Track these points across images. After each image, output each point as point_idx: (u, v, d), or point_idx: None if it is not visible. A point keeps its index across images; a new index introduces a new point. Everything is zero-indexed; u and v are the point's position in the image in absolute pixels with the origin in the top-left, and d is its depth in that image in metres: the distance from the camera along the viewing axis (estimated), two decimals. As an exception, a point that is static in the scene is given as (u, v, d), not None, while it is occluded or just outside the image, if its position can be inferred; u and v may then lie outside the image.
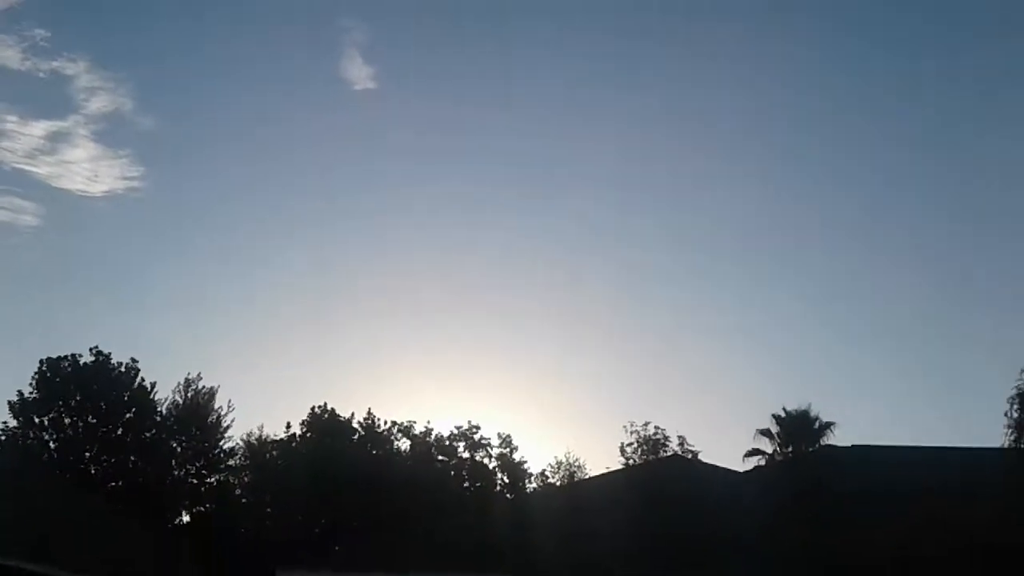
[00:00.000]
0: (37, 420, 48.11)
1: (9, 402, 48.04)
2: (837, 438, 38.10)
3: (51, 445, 48.24)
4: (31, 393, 48.33)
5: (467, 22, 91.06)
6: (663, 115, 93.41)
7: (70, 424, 48.55)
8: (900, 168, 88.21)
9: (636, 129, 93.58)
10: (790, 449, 38.12)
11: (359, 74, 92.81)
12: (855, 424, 77.18)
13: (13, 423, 47.89)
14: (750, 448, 38.45)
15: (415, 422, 53.35)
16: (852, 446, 39.64)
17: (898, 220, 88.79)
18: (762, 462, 38.36)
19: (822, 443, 37.90)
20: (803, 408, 38.27)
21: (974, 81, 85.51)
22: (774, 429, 38.44)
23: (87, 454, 48.81)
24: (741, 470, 38.91)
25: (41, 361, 49.13)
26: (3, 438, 47.42)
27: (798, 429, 37.96)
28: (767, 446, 38.39)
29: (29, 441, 47.61)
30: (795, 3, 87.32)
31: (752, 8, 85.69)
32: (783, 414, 38.43)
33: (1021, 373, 35.30)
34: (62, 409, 48.44)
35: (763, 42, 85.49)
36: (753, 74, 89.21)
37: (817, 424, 37.88)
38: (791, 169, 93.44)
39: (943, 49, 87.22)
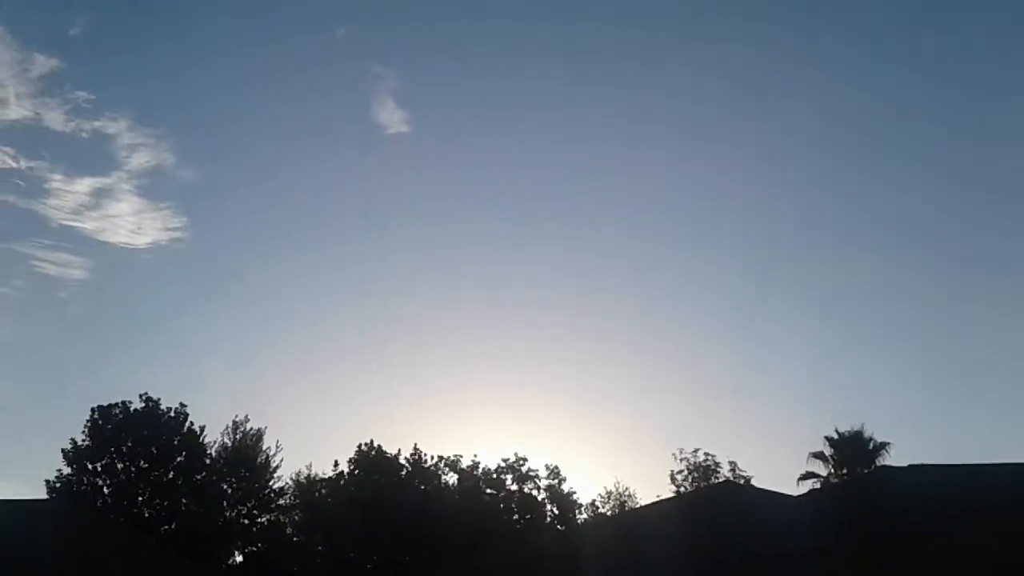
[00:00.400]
0: (91, 467, 48.83)
1: (63, 450, 48.92)
2: (893, 458, 37.42)
3: (105, 491, 48.84)
4: (84, 440, 49.15)
5: (492, 62, 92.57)
6: (701, 130, 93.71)
7: (122, 469, 49.15)
8: (948, 179, 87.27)
9: (673, 148, 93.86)
10: (845, 471, 37.47)
11: (391, 118, 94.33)
12: (911, 443, 75.65)
13: (67, 470, 48.62)
14: (804, 471, 37.91)
15: (462, 456, 53.30)
16: (909, 466, 38.69)
17: (953, 235, 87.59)
18: (817, 485, 37.72)
19: (878, 464, 37.17)
20: (857, 429, 37.71)
21: (979, 84, 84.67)
22: (828, 451, 37.87)
23: (140, 498, 49.31)
24: (795, 494, 38.29)
25: (93, 409, 50.05)
26: (59, 485, 48.05)
27: (852, 450, 37.35)
28: (821, 469, 37.83)
29: (83, 487, 48.24)
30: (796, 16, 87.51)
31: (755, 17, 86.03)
32: (836, 436, 37.87)
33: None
34: (114, 455, 49.10)
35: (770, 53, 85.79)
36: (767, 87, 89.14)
37: (872, 445, 37.25)
38: (849, 184, 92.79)
39: (950, 49, 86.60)
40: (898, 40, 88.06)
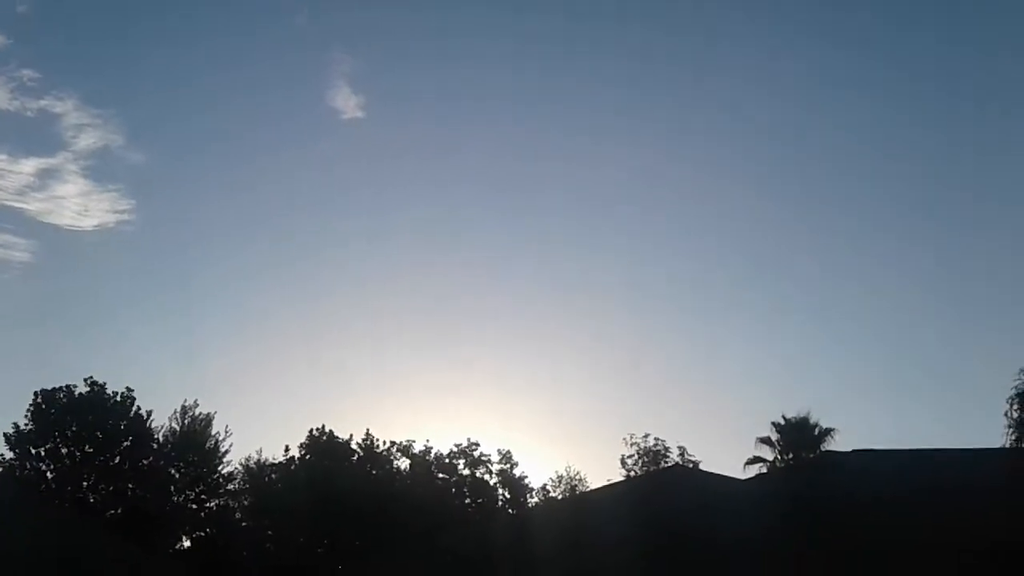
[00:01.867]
0: (34, 451, 47.92)
1: (5, 434, 47.95)
2: (838, 444, 38.14)
3: (48, 475, 48.02)
4: (27, 425, 48.16)
5: (453, 46, 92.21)
6: (660, 120, 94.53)
7: (67, 454, 48.33)
8: (894, 170, 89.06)
9: (631, 137, 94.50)
10: (791, 456, 38.08)
11: (347, 103, 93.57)
12: (855, 429, 77.21)
13: (10, 455, 47.78)
14: (751, 456, 38.47)
15: (414, 441, 53.23)
16: (853, 451, 39.61)
17: (894, 223, 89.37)
18: (763, 470, 38.35)
19: (823, 449, 37.88)
20: (803, 415, 38.30)
21: (973, 86, 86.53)
22: (774, 436, 38.43)
23: (85, 483, 48.58)
24: (743, 478, 38.90)
25: (36, 393, 48.98)
26: (0, 470, 47.06)
27: (798, 436, 37.94)
28: (768, 454, 38.38)
29: (26, 472, 47.37)
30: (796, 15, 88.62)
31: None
32: (783, 421, 38.44)
33: (1020, 373, 35.52)
34: (58, 440, 48.22)
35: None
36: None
37: (817, 430, 37.86)
38: (786, 174, 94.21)
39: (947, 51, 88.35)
40: (894, 43, 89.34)
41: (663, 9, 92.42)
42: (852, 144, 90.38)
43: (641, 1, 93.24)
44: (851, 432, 58.72)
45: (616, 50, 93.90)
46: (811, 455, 37.82)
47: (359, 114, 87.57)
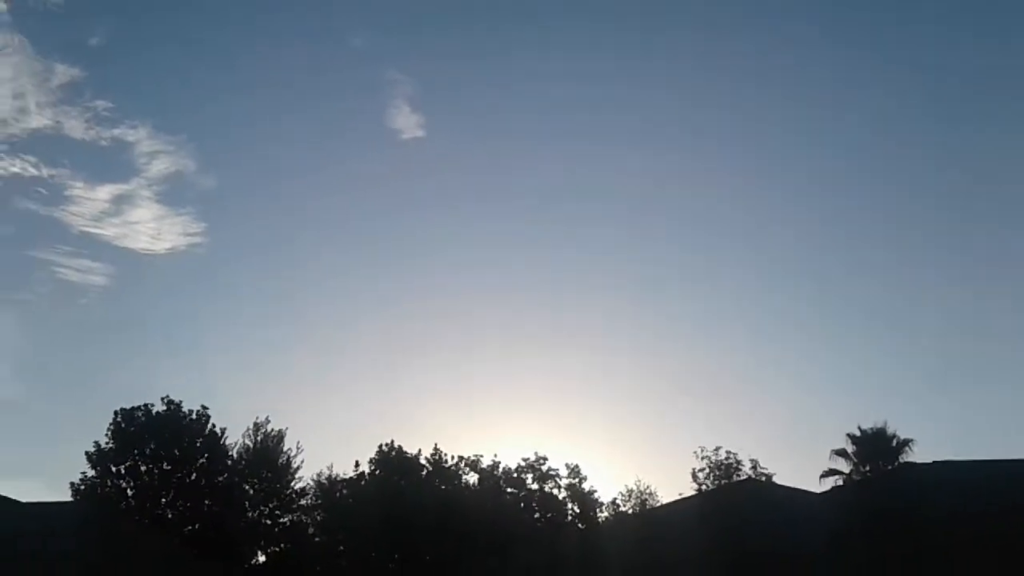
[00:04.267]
0: (114, 469, 49.13)
1: (87, 452, 49.26)
2: (916, 455, 37.15)
3: (128, 492, 49.15)
4: (107, 443, 49.43)
5: (506, 66, 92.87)
6: (711, 131, 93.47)
7: (146, 471, 49.44)
8: (972, 179, 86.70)
9: (682, 153, 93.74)
10: (868, 468, 37.23)
11: (407, 123, 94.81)
12: (935, 440, 74.98)
13: (91, 473, 48.95)
14: (826, 468, 37.72)
15: (482, 456, 53.29)
16: (933, 462, 38.37)
17: (971, 230, 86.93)
18: (840, 482, 37.52)
19: (901, 461, 36.92)
20: (880, 426, 37.47)
21: (984, 84, 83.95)
22: (850, 448, 37.67)
23: (163, 500, 49.60)
24: (818, 491, 38.09)
25: (115, 412, 50.36)
26: (83, 487, 48.40)
27: (875, 447, 37.15)
28: (844, 466, 37.65)
29: (107, 489, 48.56)
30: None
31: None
32: (859, 433, 37.63)
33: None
34: (137, 457, 49.39)
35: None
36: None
37: (895, 441, 37.03)
38: (863, 187, 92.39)
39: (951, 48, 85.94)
40: (899, 41, 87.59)
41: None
42: (932, 159, 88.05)
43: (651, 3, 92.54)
44: (931, 443, 57.11)
45: (669, 54, 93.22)
46: (889, 467, 36.91)
47: (419, 133, 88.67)
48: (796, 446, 72.70)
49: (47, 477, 78.20)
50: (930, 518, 33.83)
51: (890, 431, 37.21)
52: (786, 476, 41.52)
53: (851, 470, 37.55)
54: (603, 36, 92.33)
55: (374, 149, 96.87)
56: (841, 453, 37.49)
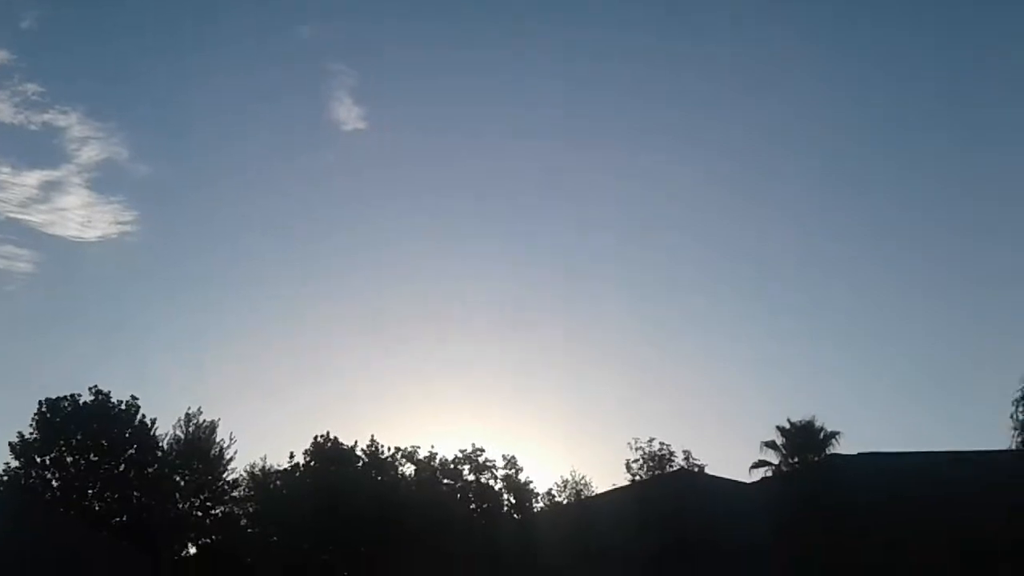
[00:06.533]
0: (39, 460, 47.79)
1: (10, 443, 47.79)
2: (843, 447, 38.14)
3: (53, 484, 47.89)
4: (32, 433, 48.05)
5: (453, 56, 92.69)
6: (657, 122, 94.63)
7: (72, 463, 48.23)
8: (901, 171, 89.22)
9: (629, 141, 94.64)
10: (796, 460, 38.08)
11: (348, 115, 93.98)
12: (861, 433, 76.87)
13: (15, 463, 47.61)
14: (757, 460, 38.47)
15: (419, 447, 53.09)
16: (858, 454, 39.58)
17: (898, 224, 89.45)
18: (769, 473, 38.32)
19: (828, 452, 37.86)
20: (808, 419, 38.32)
21: (976, 90, 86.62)
22: (779, 440, 38.48)
23: (90, 491, 48.45)
24: (748, 482, 38.87)
25: (41, 402, 48.90)
26: (6, 478, 47.08)
27: (804, 439, 37.97)
28: (773, 457, 38.40)
29: (32, 480, 47.30)
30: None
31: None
32: (788, 425, 38.46)
33: (1026, 375, 35.49)
34: (63, 448, 48.13)
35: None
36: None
37: (822, 434, 37.90)
38: (786, 178, 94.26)
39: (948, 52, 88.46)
40: (895, 43, 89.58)
41: (657, 10, 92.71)
42: (857, 146, 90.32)
43: (637, 3, 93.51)
44: (856, 435, 58.65)
45: (613, 54, 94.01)
46: (816, 458, 37.82)
47: (360, 125, 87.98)
48: (727, 438, 74.01)
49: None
50: (856, 507, 34.86)
51: (818, 424, 38.09)
52: (717, 467, 42.29)
53: (780, 461, 38.35)
54: (549, 25, 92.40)
55: (315, 140, 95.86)
56: (770, 445, 38.28)
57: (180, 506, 50.82)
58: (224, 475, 52.16)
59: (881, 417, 73.22)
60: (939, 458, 39.55)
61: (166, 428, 51.64)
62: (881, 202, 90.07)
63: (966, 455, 39.46)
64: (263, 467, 52.85)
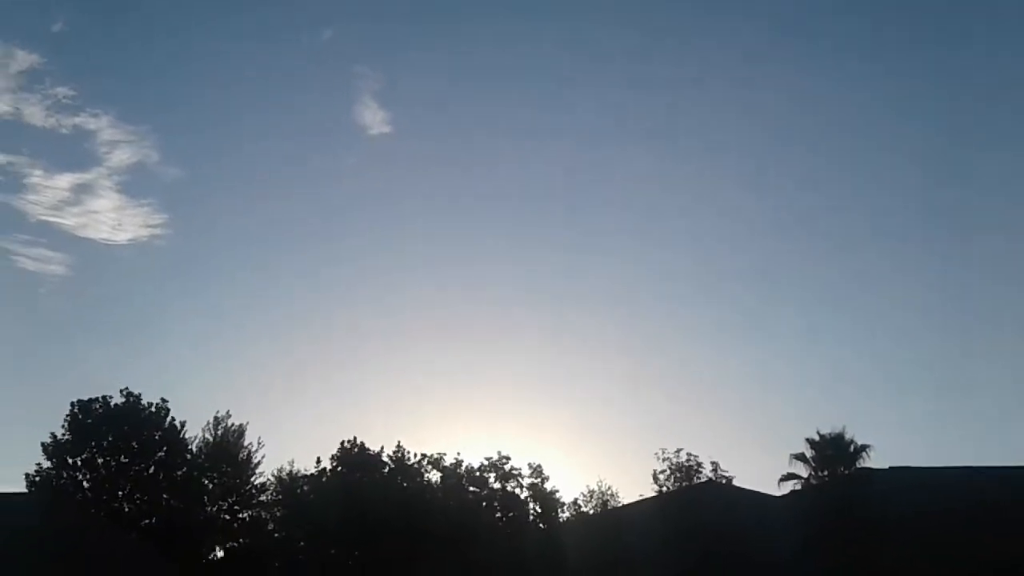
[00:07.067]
0: (70, 461, 48.37)
1: (42, 444, 48.46)
2: (874, 461, 37.65)
3: (84, 485, 48.44)
4: (63, 435, 48.66)
5: (477, 61, 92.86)
6: (685, 135, 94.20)
7: (103, 464, 48.76)
8: (934, 180, 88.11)
9: (659, 153, 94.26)
10: (826, 473, 37.65)
11: (374, 119, 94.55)
12: (892, 446, 75.95)
13: (47, 464, 48.21)
14: (785, 472, 38.07)
15: (445, 454, 53.13)
16: (889, 468, 39.04)
17: (935, 235, 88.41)
18: (798, 486, 37.92)
19: (858, 466, 37.40)
20: (838, 431, 37.90)
21: (977, 95, 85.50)
22: (809, 453, 38.06)
23: (120, 493, 48.93)
24: (777, 495, 38.48)
25: (72, 403, 49.55)
26: (38, 479, 47.65)
27: (833, 452, 37.55)
28: (803, 470, 37.98)
29: (63, 481, 47.84)
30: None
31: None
32: (818, 438, 38.05)
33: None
34: (94, 449, 48.66)
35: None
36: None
37: (853, 447, 37.45)
38: (817, 192, 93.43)
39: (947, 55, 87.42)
40: (896, 46, 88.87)
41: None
42: (901, 161, 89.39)
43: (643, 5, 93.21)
44: (887, 449, 57.93)
45: (633, 56, 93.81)
46: (846, 472, 37.37)
47: (386, 129, 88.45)
48: (756, 450, 73.38)
49: (1, 469, 76.84)
50: (887, 522, 34.39)
51: (848, 436, 37.65)
52: (746, 479, 41.87)
53: (809, 474, 37.94)
54: (576, 31, 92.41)
55: (341, 144, 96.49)
56: (800, 457, 37.89)
57: (208, 509, 51.19)
58: (252, 479, 52.56)
59: (914, 430, 72.38)
60: (972, 473, 38.93)
61: (195, 431, 52.19)
62: (922, 208, 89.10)
63: (1000, 470, 38.85)
64: (290, 472, 53.19)
